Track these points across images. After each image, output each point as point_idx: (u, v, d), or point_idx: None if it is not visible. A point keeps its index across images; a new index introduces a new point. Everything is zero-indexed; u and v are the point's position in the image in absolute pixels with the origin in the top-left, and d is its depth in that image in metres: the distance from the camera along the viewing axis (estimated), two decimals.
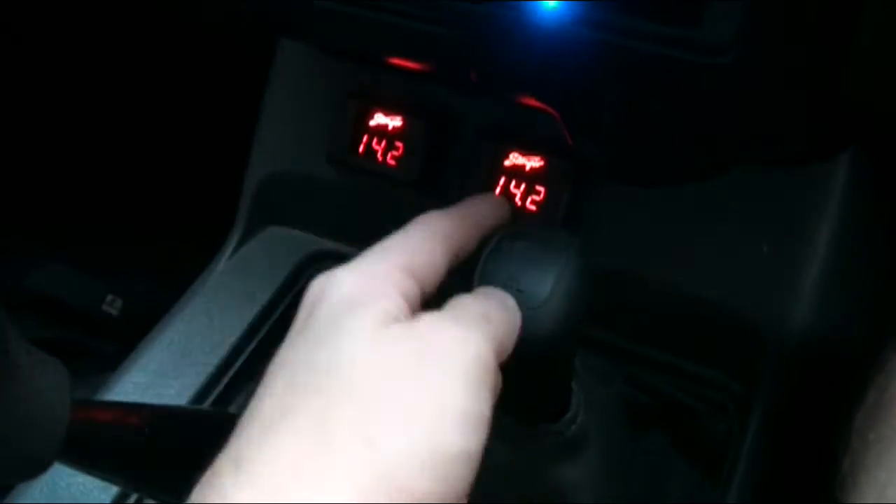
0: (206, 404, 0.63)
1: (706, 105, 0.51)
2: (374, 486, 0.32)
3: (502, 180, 0.64)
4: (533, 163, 0.64)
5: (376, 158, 0.67)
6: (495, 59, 0.52)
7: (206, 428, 0.47)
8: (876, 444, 0.37)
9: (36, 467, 0.34)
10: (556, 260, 0.44)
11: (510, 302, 0.42)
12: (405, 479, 0.32)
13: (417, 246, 0.42)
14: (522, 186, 0.64)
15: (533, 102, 0.56)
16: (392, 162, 0.67)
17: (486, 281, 0.44)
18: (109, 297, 1.07)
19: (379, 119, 0.68)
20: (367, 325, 0.36)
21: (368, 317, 0.36)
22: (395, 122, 0.67)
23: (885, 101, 0.52)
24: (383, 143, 0.67)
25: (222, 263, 0.75)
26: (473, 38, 0.51)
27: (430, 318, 0.37)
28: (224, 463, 0.33)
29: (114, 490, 0.57)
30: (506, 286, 0.43)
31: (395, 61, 0.59)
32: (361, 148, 0.68)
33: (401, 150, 0.67)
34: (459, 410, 0.35)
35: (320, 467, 0.32)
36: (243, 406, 0.64)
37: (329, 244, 0.73)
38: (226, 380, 0.65)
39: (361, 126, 0.68)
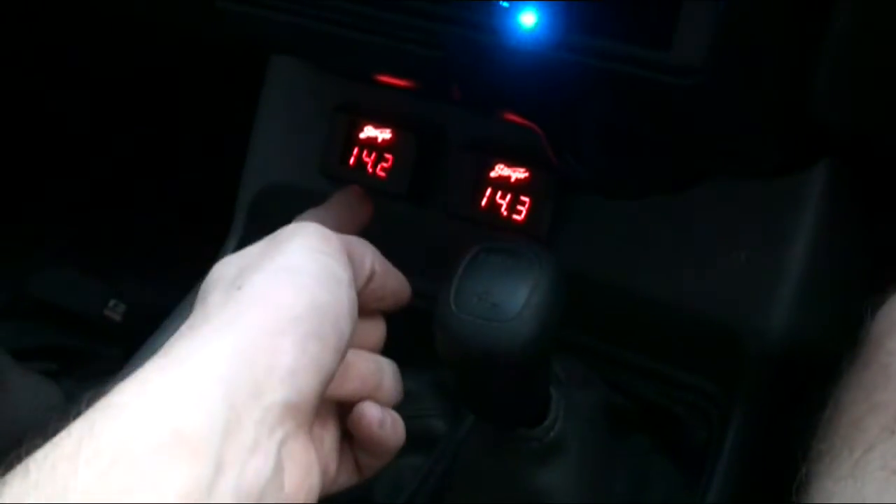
0: None
1: (680, 122, 0.52)
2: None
3: (488, 191, 0.66)
4: (518, 174, 0.65)
5: (366, 170, 0.69)
6: (475, 79, 0.54)
7: None
8: (826, 454, 0.39)
9: None
10: (530, 273, 0.46)
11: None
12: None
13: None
14: (508, 197, 0.66)
15: (516, 118, 0.58)
16: (382, 174, 0.69)
17: (461, 293, 0.46)
18: (112, 303, 1.08)
19: (369, 132, 0.69)
20: None
21: None
22: (384, 134, 0.69)
23: (853, 118, 0.53)
24: (373, 156, 0.69)
25: None
26: (453, 58, 0.53)
27: None
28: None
29: None
30: (480, 299, 0.45)
31: (382, 79, 0.61)
32: (352, 160, 0.70)
33: (390, 162, 0.69)
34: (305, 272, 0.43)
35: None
36: None
37: None
38: None
39: (352, 139, 0.70)
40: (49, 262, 1.08)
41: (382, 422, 0.49)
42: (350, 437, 0.50)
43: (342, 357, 0.43)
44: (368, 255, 0.51)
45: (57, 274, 1.08)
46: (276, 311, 0.41)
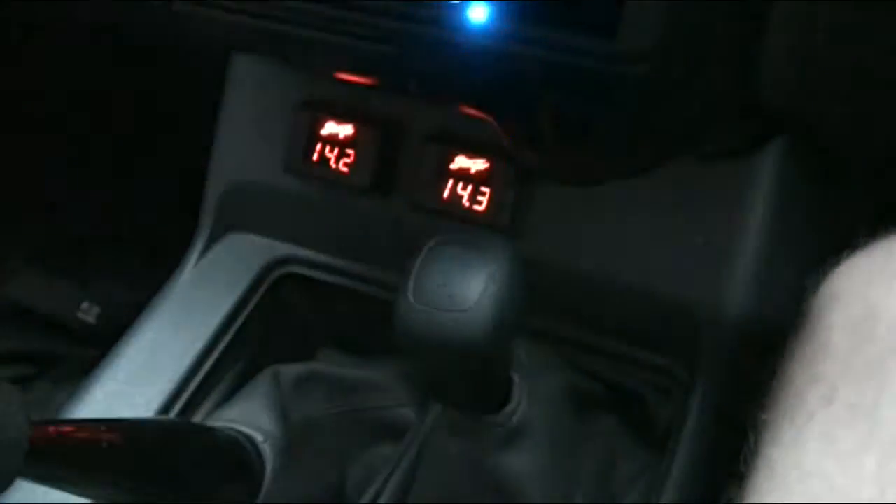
0: (174, 411, 0.66)
1: (630, 110, 0.53)
2: None
3: (450, 183, 0.67)
4: (478, 165, 0.67)
5: (329, 166, 0.70)
6: (430, 73, 0.55)
7: (169, 438, 0.50)
8: (771, 424, 0.41)
9: None
10: (486, 263, 0.47)
11: None
12: None
13: None
14: (469, 188, 0.67)
15: (472, 111, 0.59)
16: (345, 169, 0.70)
17: (419, 285, 0.47)
18: (85, 305, 1.09)
19: (330, 128, 0.70)
20: None
21: None
22: (346, 130, 0.70)
23: (799, 101, 0.55)
24: (336, 151, 0.70)
25: (188, 271, 0.78)
26: (407, 54, 0.54)
27: None
28: None
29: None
30: (438, 290, 0.46)
31: (341, 75, 0.62)
32: (315, 156, 0.71)
33: (352, 157, 0.70)
34: None
35: None
36: (208, 414, 0.67)
37: (289, 248, 0.76)
38: (192, 387, 0.68)
39: (314, 135, 0.71)
40: (21, 267, 1.08)
41: None
42: None
43: None
44: None
45: (30, 278, 1.08)
46: None
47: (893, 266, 0.43)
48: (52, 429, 0.39)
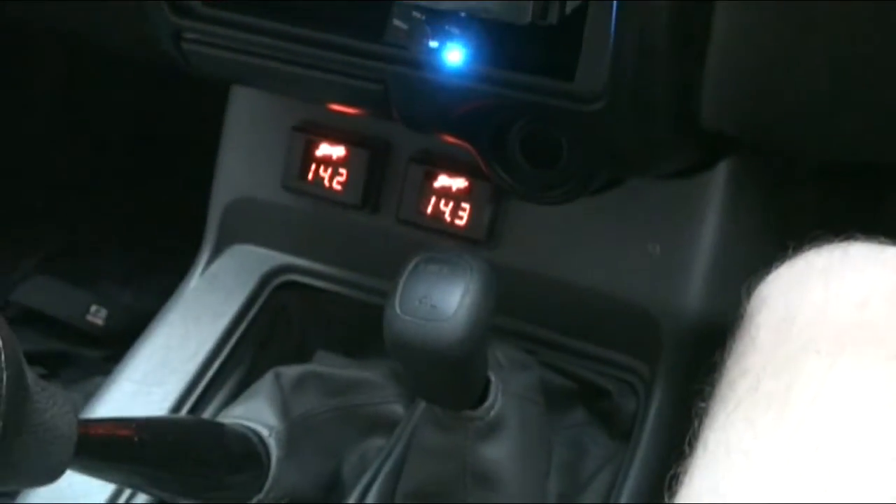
0: (186, 408, 0.73)
1: (589, 140, 0.61)
2: None
3: (433, 200, 0.74)
4: (458, 184, 0.74)
5: (324, 184, 0.77)
6: (412, 107, 0.62)
7: (188, 434, 0.57)
8: (709, 411, 0.47)
9: (52, 476, 0.44)
10: (463, 279, 0.55)
11: None
12: None
13: None
14: (450, 205, 0.74)
15: (450, 139, 0.66)
16: (338, 187, 0.77)
17: (404, 298, 0.54)
18: (94, 308, 1.14)
19: (324, 150, 0.77)
20: None
21: None
22: (338, 151, 0.77)
23: (739, 125, 0.62)
24: (329, 171, 0.77)
25: (195, 279, 0.84)
26: (391, 91, 0.61)
27: None
28: None
29: (109, 488, 0.66)
30: (421, 302, 0.54)
31: (333, 107, 0.69)
32: (310, 176, 0.78)
33: (345, 176, 0.77)
34: None
35: None
36: (217, 411, 0.73)
37: (287, 259, 0.83)
38: (201, 387, 0.74)
39: (309, 156, 0.77)
40: (33, 271, 1.14)
41: None
42: None
43: None
44: None
45: (41, 282, 1.14)
46: None
47: (809, 274, 0.50)
48: (95, 427, 0.46)
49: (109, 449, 0.48)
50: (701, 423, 0.49)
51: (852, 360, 0.43)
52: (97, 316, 1.14)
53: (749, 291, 0.54)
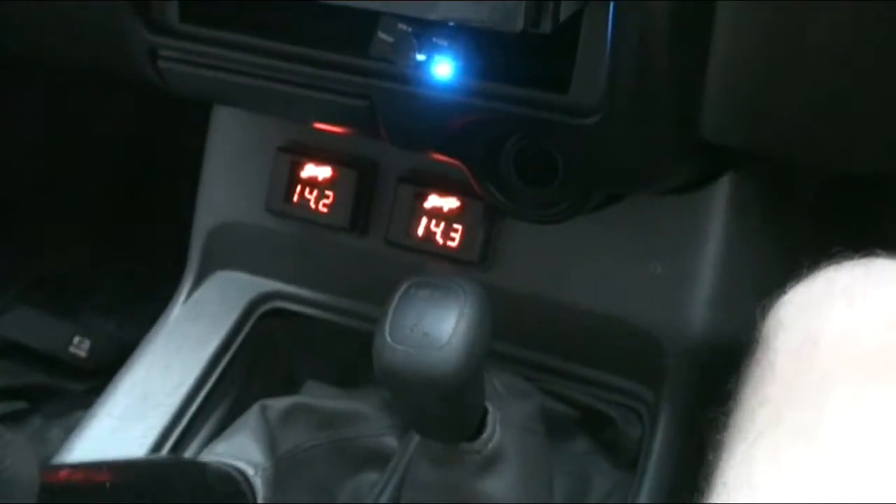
0: (168, 445, 0.69)
1: (586, 155, 0.58)
2: None
3: (423, 220, 0.71)
4: (450, 203, 0.71)
5: (310, 206, 0.74)
6: (399, 124, 0.59)
7: (164, 476, 0.54)
8: (725, 443, 0.44)
9: None
10: (457, 304, 0.51)
11: None
12: None
13: None
14: (442, 226, 0.71)
15: (441, 157, 0.63)
16: (324, 209, 0.74)
17: (395, 326, 0.51)
18: (77, 339, 1.11)
19: (310, 171, 0.74)
20: None
21: None
22: (324, 172, 0.74)
23: (741, 139, 0.59)
24: (315, 192, 0.74)
25: (178, 308, 0.81)
26: (378, 107, 0.58)
27: None
28: None
29: None
30: (412, 330, 0.50)
31: (318, 126, 0.66)
32: (296, 198, 0.75)
33: (331, 198, 0.74)
34: None
35: None
36: (200, 447, 0.70)
37: (273, 285, 0.80)
38: (184, 422, 0.71)
39: (294, 177, 0.74)
40: (13, 302, 1.11)
41: None
42: None
43: None
44: None
45: (21, 313, 1.11)
46: None
47: (830, 294, 0.47)
48: (60, 473, 0.42)
49: (76, 496, 0.44)
50: (716, 456, 0.46)
51: (885, 389, 0.40)
52: (80, 347, 1.11)
53: (763, 313, 0.51)
